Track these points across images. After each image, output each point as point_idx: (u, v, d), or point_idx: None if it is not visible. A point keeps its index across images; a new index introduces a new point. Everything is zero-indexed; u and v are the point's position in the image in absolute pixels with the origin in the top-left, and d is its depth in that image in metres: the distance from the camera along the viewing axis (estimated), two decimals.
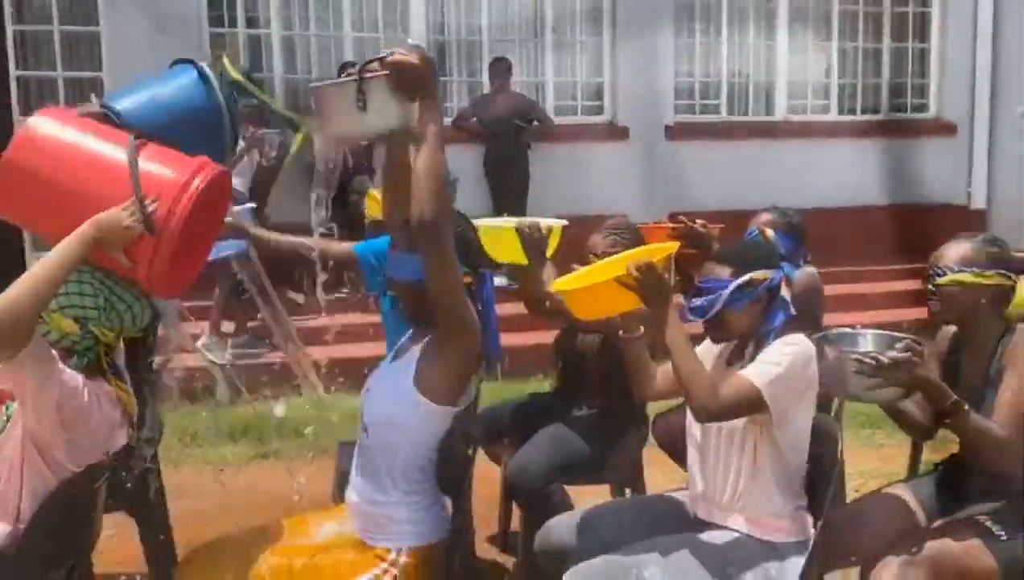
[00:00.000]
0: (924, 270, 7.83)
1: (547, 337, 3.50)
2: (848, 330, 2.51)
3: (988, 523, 2.26)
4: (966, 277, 2.36)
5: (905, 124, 8.33)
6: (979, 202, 8.34)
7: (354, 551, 2.10)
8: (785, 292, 2.30)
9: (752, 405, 2.09)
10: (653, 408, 3.03)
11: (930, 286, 2.44)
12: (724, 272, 2.22)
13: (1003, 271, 2.38)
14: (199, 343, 5.77)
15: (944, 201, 8.23)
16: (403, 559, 2.07)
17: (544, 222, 2.99)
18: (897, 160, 8.02)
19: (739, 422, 2.19)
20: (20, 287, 1.81)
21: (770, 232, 3.40)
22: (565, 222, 3.07)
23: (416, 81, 1.98)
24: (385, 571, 2.06)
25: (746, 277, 2.19)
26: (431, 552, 2.10)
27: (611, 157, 7.28)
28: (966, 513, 2.32)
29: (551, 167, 6.88)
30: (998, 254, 2.40)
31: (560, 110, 7.52)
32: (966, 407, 2.21)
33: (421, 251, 1.97)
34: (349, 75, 2.08)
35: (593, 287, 2.22)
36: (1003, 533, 2.23)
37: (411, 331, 2.25)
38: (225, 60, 6.05)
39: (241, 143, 5.67)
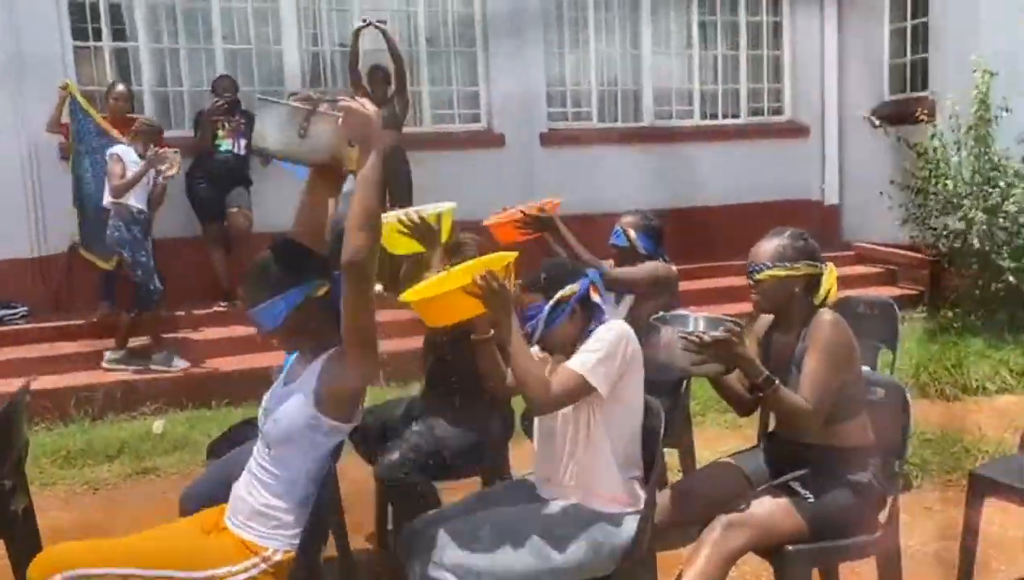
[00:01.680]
0: None
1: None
2: (682, 313, 2.76)
3: (797, 487, 2.55)
4: (779, 271, 2.65)
5: (763, 127, 8.88)
6: (832, 198, 8.95)
7: (217, 539, 2.22)
8: (596, 296, 2.52)
9: (580, 390, 2.32)
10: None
11: (750, 281, 2.71)
12: (538, 299, 2.46)
13: (809, 261, 2.68)
14: (106, 358, 5.69)
15: (802, 197, 8.82)
16: (278, 557, 2.20)
17: (432, 208, 3.14)
18: (757, 160, 8.52)
19: (573, 410, 2.41)
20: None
21: (632, 232, 3.74)
22: (454, 204, 3.18)
23: (362, 131, 2.10)
24: (256, 564, 2.17)
25: (555, 297, 2.45)
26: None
27: (488, 163, 7.49)
28: (780, 480, 2.60)
29: (431, 173, 7.02)
30: (804, 247, 2.70)
31: (438, 118, 7.70)
32: (776, 382, 2.49)
33: (349, 284, 2.06)
34: (304, 101, 2.20)
35: (442, 296, 2.39)
36: (810, 496, 2.53)
37: (295, 356, 2.37)
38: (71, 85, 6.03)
39: (141, 162, 5.64)
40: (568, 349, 2.48)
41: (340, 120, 2.14)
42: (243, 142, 6.38)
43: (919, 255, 7.68)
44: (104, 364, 5.70)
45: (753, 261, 2.70)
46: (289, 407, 2.23)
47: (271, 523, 2.21)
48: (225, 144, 6.42)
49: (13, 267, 6.39)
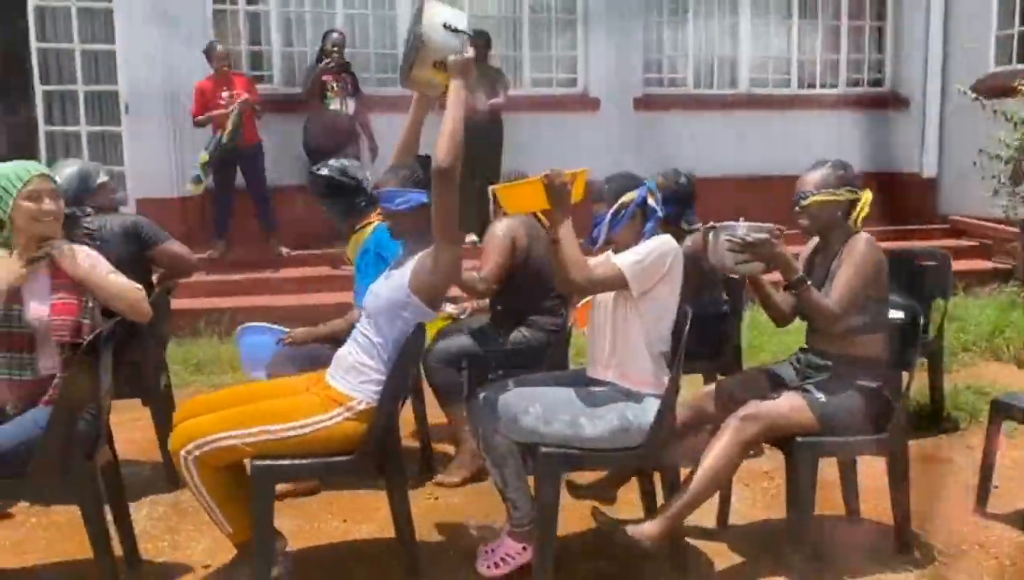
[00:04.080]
0: (884, 233, 8.43)
1: None
2: (731, 222, 3.08)
3: (812, 389, 2.90)
4: (823, 197, 2.98)
5: (862, 97, 8.91)
6: (930, 171, 8.92)
7: (306, 395, 2.78)
8: (652, 201, 2.91)
9: (615, 282, 2.74)
10: None
11: (796, 208, 3.05)
12: (602, 207, 2.88)
13: (850, 188, 3.00)
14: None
15: (899, 169, 8.84)
16: (361, 407, 2.72)
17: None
18: (854, 131, 8.58)
19: (613, 301, 2.82)
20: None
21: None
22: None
23: (456, 68, 2.67)
24: (341, 414, 2.70)
25: (616, 204, 2.84)
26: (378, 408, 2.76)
27: (583, 126, 7.87)
28: (799, 384, 2.96)
29: (529, 134, 7.44)
30: (844, 176, 3.01)
31: (537, 82, 8.13)
32: (807, 281, 2.84)
33: (435, 188, 2.60)
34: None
35: (520, 186, 2.87)
36: (822, 396, 2.87)
37: (402, 251, 2.91)
38: None
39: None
40: (628, 247, 2.87)
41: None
42: (351, 102, 6.96)
43: (1014, 229, 7.64)
44: None
45: (800, 189, 3.03)
46: (389, 286, 2.80)
47: (360, 378, 2.74)
48: (333, 103, 6.97)
49: (158, 205, 7.19)
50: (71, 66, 7.26)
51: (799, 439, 2.83)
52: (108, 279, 2.82)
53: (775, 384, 3.06)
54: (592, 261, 2.86)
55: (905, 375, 2.95)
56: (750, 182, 8.06)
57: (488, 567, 2.88)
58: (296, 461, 2.68)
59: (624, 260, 2.76)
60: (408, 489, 2.93)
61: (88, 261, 2.83)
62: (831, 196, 2.98)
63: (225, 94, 6.69)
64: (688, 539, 3.07)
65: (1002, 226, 7.78)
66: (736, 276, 3.34)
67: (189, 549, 3.18)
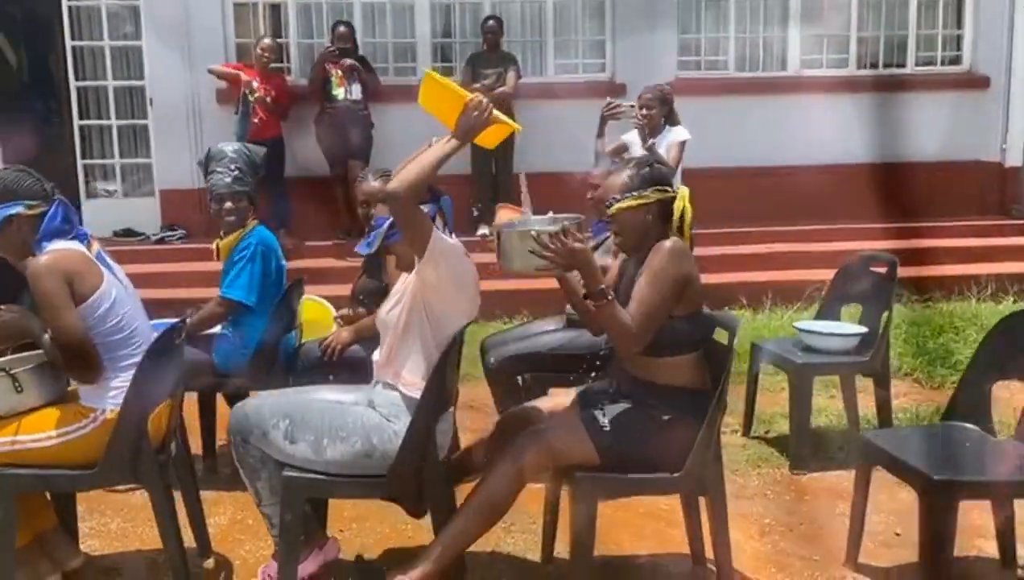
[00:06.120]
0: (951, 228, 7.75)
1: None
2: (527, 217, 2.75)
3: (599, 415, 2.56)
4: (628, 202, 2.63)
5: (934, 78, 8.02)
6: (1014, 159, 7.93)
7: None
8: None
9: (423, 223, 2.49)
10: None
11: (605, 220, 2.71)
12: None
13: (658, 187, 2.63)
14: None
15: (977, 158, 7.92)
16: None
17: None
18: (924, 115, 7.74)
19: (406, 297, 2.58)
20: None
21: None
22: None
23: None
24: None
25: None
26: None
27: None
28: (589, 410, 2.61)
29: (552, 123, 7.05)
30: (650, 174, 2.63)
31: (561, 68, 7.81)
32: (610, 295, 2.46)
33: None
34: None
35: (444, 88, 2.56)
36: (607, 424, 2.53)
37: None
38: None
39: None
40: None
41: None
42: (356, 88, 6.91)
43: None
44: None
45: (607, 196, 2.69)
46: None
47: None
48: (338, 91, 6.94)
49: (177, 196, 7.46)
50: (102, 63, 7.58)
51: (577, 474, 2.51)
52: None
53: (592, 405, 2.72)
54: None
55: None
56: (797, 172, 7.47)
57: None
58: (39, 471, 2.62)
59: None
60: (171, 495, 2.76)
61: None
62: (637, 200, 2.61)
63: (256, 84, 6.81)
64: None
65: None
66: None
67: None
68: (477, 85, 7.08)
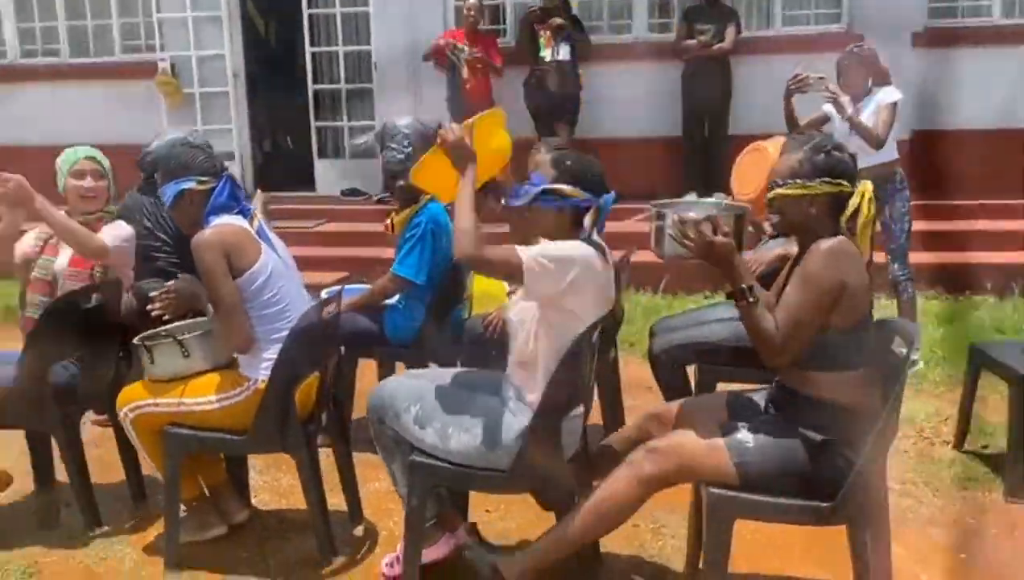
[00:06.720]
0: None
1: None
2: (689, 199, 2.49)
3: (742, 428, 2.29)
4: (791, 189, 2.32)
5: None
6: None
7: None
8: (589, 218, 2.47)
9: (508, 268, 2.33)
10: None
11: (767, 199, 2.41)
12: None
13: (829, 180, 2.29)
14: None
15: None
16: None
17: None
18: None
19: (534, 305, 2.45)
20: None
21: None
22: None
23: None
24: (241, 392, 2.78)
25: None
26: None
27: None
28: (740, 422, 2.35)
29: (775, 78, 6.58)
30: (824, 161, 2.30)
31: (790, 20, 7.17)
32: (754, 295, 2.22)
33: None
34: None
35: (421, 169, 2.53)
36: (750, 440, 2.26)
37: None
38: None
39: None
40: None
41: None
42: (564, 48, 6.74)
43: None
44: None
45: (773, 177, 2.39)
46: None
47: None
48: (545, 52, 6.79)
49: None
50: (334, 29, 7.98)
51: (711, 490, 2.27)
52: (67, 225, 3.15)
53: (740, 414, 2.47)
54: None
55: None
56: None
57: (387, 565, 2.75)
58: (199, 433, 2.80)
59: (528, 250, 2.38)
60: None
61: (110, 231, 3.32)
62: (801, 189, 2.28)
63: (461, 45, 6.88)
64: None
65: None
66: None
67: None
68: (692, 41, 6.71)
